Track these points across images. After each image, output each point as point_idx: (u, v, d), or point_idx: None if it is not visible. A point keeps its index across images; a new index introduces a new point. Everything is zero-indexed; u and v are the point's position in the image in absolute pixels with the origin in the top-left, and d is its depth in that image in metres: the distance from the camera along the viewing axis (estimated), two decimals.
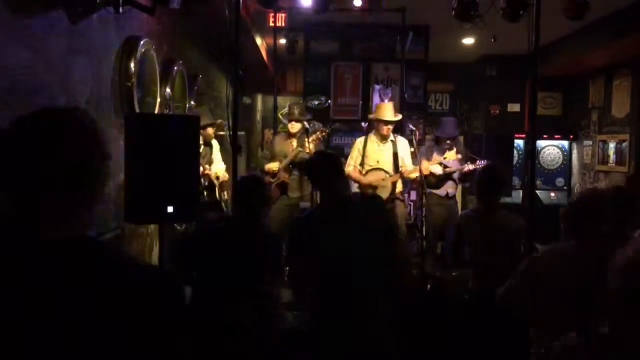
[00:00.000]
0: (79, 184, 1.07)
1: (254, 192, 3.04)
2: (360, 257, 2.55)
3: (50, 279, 1.00)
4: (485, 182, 3.41)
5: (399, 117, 5.31)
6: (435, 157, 5.51)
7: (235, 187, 3.23)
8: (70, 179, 1.05)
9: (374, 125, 5.36)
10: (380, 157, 5.24)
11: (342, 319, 2.53)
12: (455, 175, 5.65)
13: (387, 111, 5.21)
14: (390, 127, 5.22)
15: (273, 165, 5.42)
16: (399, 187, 5.29)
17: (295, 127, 5.45)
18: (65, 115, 1.11)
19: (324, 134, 5.46)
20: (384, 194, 5.04)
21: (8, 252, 1.02)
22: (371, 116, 5.49)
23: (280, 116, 7.80)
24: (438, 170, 5.52)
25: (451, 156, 5.44)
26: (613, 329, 1.53)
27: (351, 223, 2.61)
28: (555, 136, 8.88)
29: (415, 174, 5.19)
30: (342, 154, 6.28)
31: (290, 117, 5.48)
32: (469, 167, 5.42)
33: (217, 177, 5.05)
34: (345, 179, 2.81)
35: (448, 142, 5.69)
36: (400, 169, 5.17)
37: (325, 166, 2.74)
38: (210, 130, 5.05)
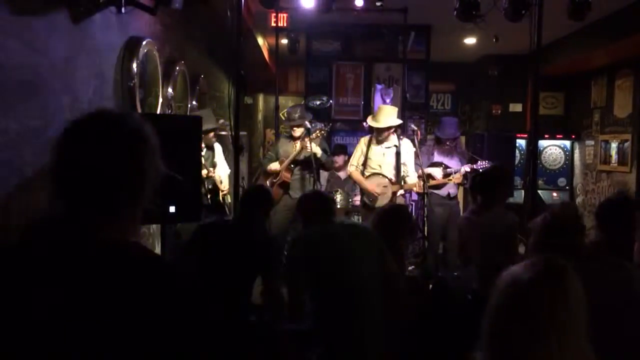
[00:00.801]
0: (128, 184, 1.08)
1: (259, 197, 3.13)
2: (358, 280, 2.60)
3: (89, 283, 1.00)
4: (481, 181, 3.43)
5: (393, 123, 5.12)
6: (438, 178, 5.45)
7: (245, 191, 3.31)
8: (120, 180, 1.07)
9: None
10: (383, 162, 5.17)
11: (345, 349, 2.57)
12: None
13: (382, 117, 5.12)
14: (387, 132, 5.14)
15: (275, 166, 5.43)
16: (400, 193, 5.27)
17: (298, 131, 5.43)
18: (115, 117, 1.13)
19: (323, 131, 5.42)
20: (384, 200, 5.01)
21: (51, 252, 1.01)
22: (365, 124, 5.44)
23: (282, 117, 7.80)
24: (438, 174, 5.47)
25: (457, 179, 5.39)
26: None
27: (344, 250, 2.67)
28: (557, 136, 8.87)
29: (415, 188, 5.17)
30: (345, 152, 6.28)
31: (292, 124, 5.44)
32: (466, 168, 5.38)
33: (221, 182, 5.03)
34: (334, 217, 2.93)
35: (448, 142, 5.68)
36: (402, 177, 5.12)
37: (317, 205, 2.83)
38: (211, 135, 5.03)
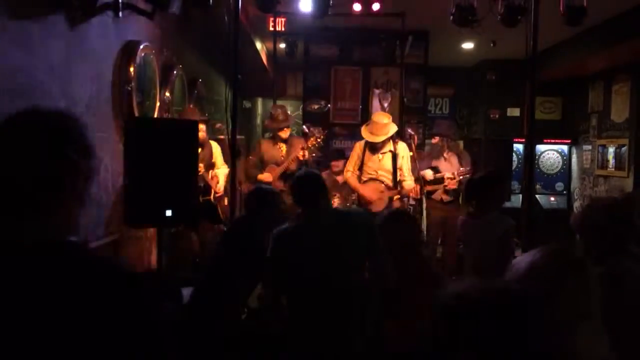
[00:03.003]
0: (60, 183, 1.06)
1: (267, 200, 3.13)
2: (334, 272, 2.52)
3: (22, 282, 0.98)
4: (475, 186, 3.44)
5: (389, 134, 4.99)
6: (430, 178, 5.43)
7: (250, 194, 3.27)
8: (51, 179, 1.05)
9: None
10: (379, 167, 5.09)
11: (315, 336, 2.51)
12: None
13: (377, 129, 4.99)
14: (382, 143, 5.03)
15: (266, 176, 5.24)
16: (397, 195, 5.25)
17: (286, 131, 5.31)
18: (47, 115, 1.12)
19: (319, 140, 5.29)
20: (380, 206, 4.96)
21: None
22: (362, 133, 5.33)
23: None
24: (429, 174, 5.45)
25: (451, 184, 5.35)
26: None
27: (325, 241, 2.56)
28: (555, 141, 8.89)
29: (412, 193, 5.15)
30: (343, 156, 6.28)
31: (279, 125, 5.27)
32: (449, 175, 5.32)
33: (218, 182, 4.99)
34: (327, 196, 2.80)
35: (438, 140, 5.67)
36: (399, 181, 5.08)
37: (308, 185, 2.71)
38: (201, 127, 4.71)
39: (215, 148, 5.13)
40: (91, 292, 1.01)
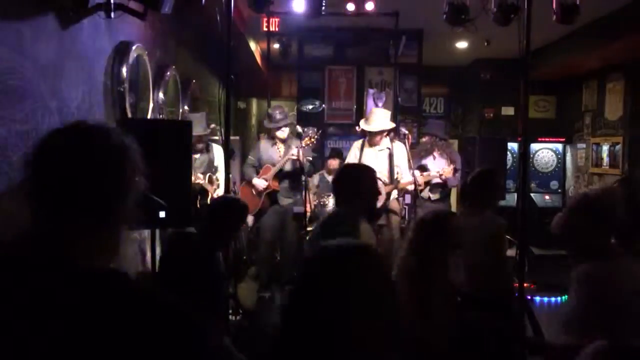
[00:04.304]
0: (109, 205, 1.02)
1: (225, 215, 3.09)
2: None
3: (68, 317, 0.93)
4: (468, 185, 3.44)
5: (386, 126, 5.14)
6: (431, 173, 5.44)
7: (212, 204, 3.23)
8: (99, 198, 1.01)
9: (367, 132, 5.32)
10: (376, 165, 5.12)
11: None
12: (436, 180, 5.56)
13: (374, 120, 5.12)
14: (380, 136, 5.14)
15: (262, 183, 5.30)
16: (394, 194, 5.27)
17: (282, 133, 5.34)
18: (96, 131, 1.07)
19: (313, 140, 5.33)
20: (378, 202, 5.01)
21: (26, 281, 0.94)
22: (358, 128, 5.41)
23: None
24: (417, 174, 5.47)
25: (447, 173, 5.37)
26: None
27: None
28: (549, 139, 8.92)
29: (410, 186, 5.17)
30: (341, 156, 6.29)
31: (276, 125, 5.31)
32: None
33: (218, 186, 4.87)
34: (366, 201, 2.71)
35: (427, 139, 5.69)
36: (396, 178, 5.13)
37: (352, 180, 2.69)
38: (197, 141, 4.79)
39: (217, 151, 5.08)
40: (133, 328, 0.96)
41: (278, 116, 5.31)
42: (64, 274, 0.96)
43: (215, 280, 3.02)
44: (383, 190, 5.09)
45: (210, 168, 4.96)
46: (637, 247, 2.22)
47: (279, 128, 5.32)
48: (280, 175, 5.34)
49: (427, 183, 5.47)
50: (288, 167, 5.36)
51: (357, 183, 2.71)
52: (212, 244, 3.08)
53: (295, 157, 5.13)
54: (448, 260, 2.58)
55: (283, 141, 5.36)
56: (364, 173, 2.84)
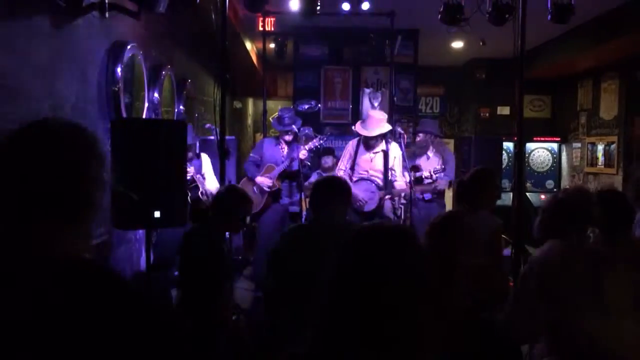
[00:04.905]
0: (76, 196, 1.04)
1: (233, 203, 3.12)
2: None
3: (35, 300, 0.96)
4: (464, 185, 3.44)
5: (383, 131, 5.07)
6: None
7: (219, 195, 3.25)
8: (66, 192, 1.03)
9: None
10: (371, 167, 5.12)
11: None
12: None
13: (372, 125, 5.04)
14: (376, 140, 5.09)
15: (267, 181, 5.30)
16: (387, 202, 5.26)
17: (291, 135, 5.38)
18: (57, 126, 1.09)
19: (317, 146, 5.40)
20: (371, 205, 5.00)
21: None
22: (354, 128, 5.38)
23: (270, 119, 7.80)
24: (407, 176, 5.46)
25: (430, 164, 5.36)
26: None
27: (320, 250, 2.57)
28: (545, 138, 8.94)
29: (403, 191, 5.16)
30: (334, 155, 6.29)
31: (284, 129, 5.35)
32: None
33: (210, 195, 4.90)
34: (344, 208, 2.77)
35: (421, 138, 5.68)
36: (390, 182, 5.10)
37: (326, 190, 2.72)
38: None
39: (205, 159, 5.13)
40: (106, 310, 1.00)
41: (287, 121, 5.38)
42: (30, 263, 0.98)
43: (227, 268, 3.11)
44: (376, 195, 5.07)
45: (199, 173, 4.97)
46: (620, 240, 2.31)
47: (287, 132, 5.38)
48: (284, 175, 5.39)
49: (418, 181, 5.42)
50: (292, 171, 5.40)
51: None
52: (220, 233, 3.15)
53: (303, 158, 5.18)
54: (459, 261, 2.60)
55: (288, 143, 5.42)
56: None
